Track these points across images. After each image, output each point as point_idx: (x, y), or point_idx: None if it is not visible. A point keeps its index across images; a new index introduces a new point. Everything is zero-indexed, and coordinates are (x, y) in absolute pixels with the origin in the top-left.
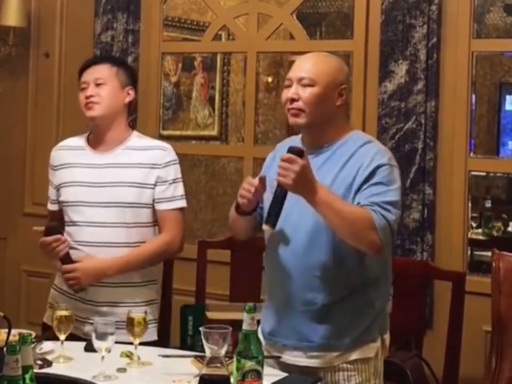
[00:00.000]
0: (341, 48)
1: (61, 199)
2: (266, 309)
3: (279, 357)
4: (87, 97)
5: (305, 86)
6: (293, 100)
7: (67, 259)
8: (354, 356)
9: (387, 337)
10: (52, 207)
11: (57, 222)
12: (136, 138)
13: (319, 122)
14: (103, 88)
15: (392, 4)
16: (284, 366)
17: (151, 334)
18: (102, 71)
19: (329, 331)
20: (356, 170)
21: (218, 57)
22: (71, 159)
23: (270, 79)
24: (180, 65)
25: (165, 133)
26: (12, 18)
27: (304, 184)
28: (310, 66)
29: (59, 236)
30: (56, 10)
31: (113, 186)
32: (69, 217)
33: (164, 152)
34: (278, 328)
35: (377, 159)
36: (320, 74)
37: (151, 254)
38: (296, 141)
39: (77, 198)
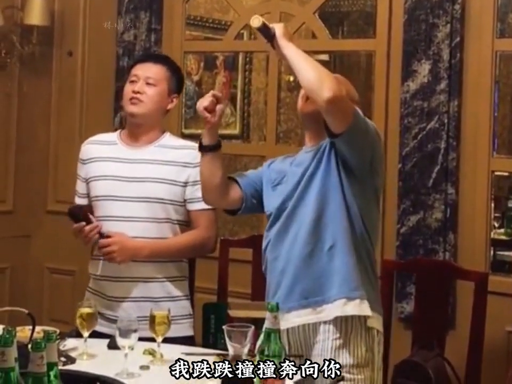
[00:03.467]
0: (363, 47)
1: (91, 193)
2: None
3: (301, 356)
4: (134, 92)
5: None
6: None
7: (102, 238)
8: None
9: (376, 317)
10: (79, 201)
11: (80, 206)
12: (169, 138)
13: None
14: (152, 88)
15: (415, 3)
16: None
17: (187, 329)
18: (156, 72)
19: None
20: None
21: (240, 56)
22: (102, 153)
23: (291, 78)
24: (202, 64)
25: (187, 131)
26: (36, 17)
27: (289, 32)
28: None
29: (83, 223)
30: (79, 9)
31: (145, 182)
32: (99, 212)
33: (196, 152)
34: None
35: None
36: (342, 81)
37: (187, 245)
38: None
39: (108, 192)
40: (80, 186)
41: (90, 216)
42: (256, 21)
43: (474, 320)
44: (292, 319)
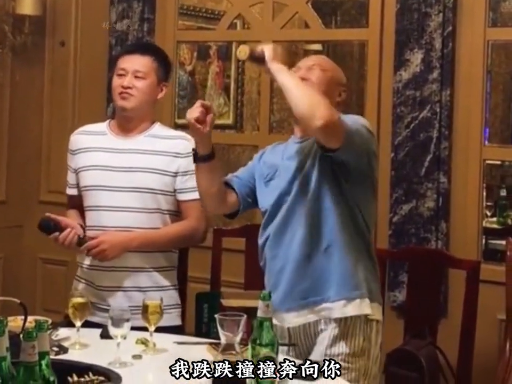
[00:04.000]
0: (356, 37)
1: (81, 183)
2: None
3: (294, 345)
4: (123, 87)
5: (314, 69)
6: (302, 80)
7: (83, 241)
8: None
9: (377, 307)
10: (71, 191)
11: (48, 216)
12: (159, 128)
13: None
14: (141, 82)
15: None
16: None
17: (175, 319)
18: (144, 64)
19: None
20: None
21: (234, 46)
22: (92, 143)
23: None
24: (195, 54)
25: (180, 121)
26: (28, 6)
27: (279, 53)
28: (319, 59)
29: (57, 233)
30: None
31: (135, 172)
32: (89, 202)
33: (187, 142)
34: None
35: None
36: (329, 65)
37: (178, 236)
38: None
39: (97, 182)
40: (71, 177)
41: (62, 222)
42: (242, 54)
43: (466, 308)
44: (292, 320)
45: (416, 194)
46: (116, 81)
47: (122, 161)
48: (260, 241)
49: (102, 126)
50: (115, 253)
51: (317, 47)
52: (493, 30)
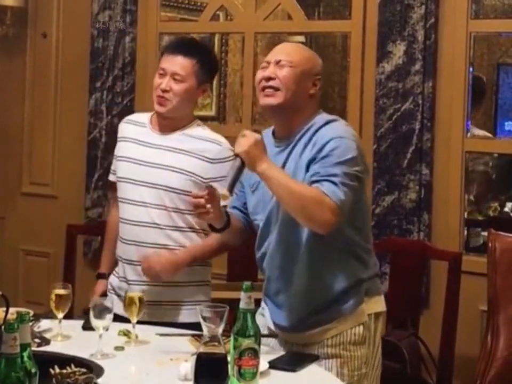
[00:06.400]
0: (339, 28)
1: (117, 173)
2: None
3: (276, 336)
4: (161, 89)
5: (282, 67)
6: (269, 79)
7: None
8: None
9: (375, 301)
10: (112, 178)
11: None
12: (197, 127)
13: (291, 105)
14: (179, 85)
15: None
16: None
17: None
18: (184, 67)
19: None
20: (310, 151)
21: (216, 38)
22: (132, 134)
23: None
24: None
25: None
26: None
27: (255, 155)
28: (288, 51)
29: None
30: None
31: (160, 169)
32: (119, 193)
33: (219, 147)
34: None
35: (328, 135)
36: (298, 58)
37: (213, 248)
38: (267, 135)
39: (126, 175)
40: (114, 164)
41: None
42: (225, 198)
43: (448, 299)
44: (292, 340)
45: (399, 186)
46: (156, 80)
47: (152, 157)
48: (257, 255)
49: (145, 118)
50: (167, 273)
51: (300, 38)
52: (475, 22)
